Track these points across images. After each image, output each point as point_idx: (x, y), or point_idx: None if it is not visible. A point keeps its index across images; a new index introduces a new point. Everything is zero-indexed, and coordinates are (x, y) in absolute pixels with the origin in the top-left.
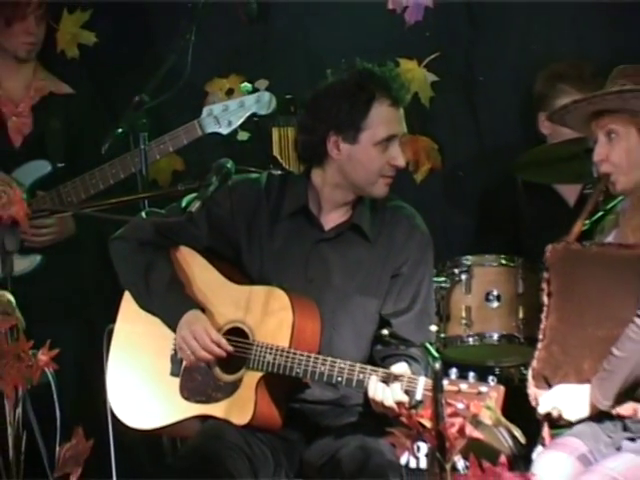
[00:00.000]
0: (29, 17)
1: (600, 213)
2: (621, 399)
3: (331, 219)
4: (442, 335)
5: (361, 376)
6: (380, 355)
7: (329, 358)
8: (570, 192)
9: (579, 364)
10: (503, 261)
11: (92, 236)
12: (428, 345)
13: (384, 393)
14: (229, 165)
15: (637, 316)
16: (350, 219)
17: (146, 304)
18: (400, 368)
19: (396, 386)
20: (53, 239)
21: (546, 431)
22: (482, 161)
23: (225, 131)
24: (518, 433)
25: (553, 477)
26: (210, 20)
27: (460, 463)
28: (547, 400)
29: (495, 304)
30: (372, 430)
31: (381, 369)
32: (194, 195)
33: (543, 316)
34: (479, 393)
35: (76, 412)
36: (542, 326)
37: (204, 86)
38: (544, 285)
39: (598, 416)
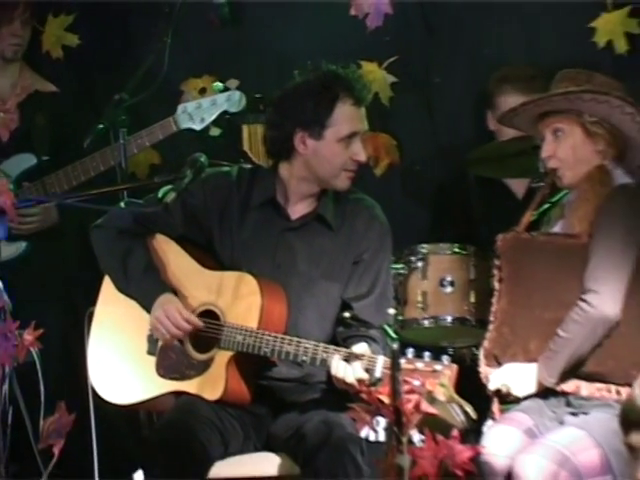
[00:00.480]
0: (15, 20)
1: (546, 205)
2: (565, 376)
3: (297, 210)
4: (400, 318)
5: (324, 355)
6: (342, 336)
7: (295, 338)
8: (518, 186)
9: (527, 344)
10: (456, 249)
11: (74, 224)
12: (387, 327)
13: (345, 371)
14: (203, 159)
15: (581, 300)
16: (315, 210)
17: (124, 288)
18: (361, 348)
19: (357, 364)
20: (38, 227)
21: (496, 406)
22: (437, 157)
23: (198, 127)
24: (469, 409)
25: (502, 449)
26: (185, 23)
27: (416, 436)
28: (497, 377)
29: (449, 289)
30: (334, 405)
31: (343, 349)
32: (170, 187)
33: (494, 300)
34: (434, 371)
35: (59, 388)
36: (493, 309)
37: (179, 85)
38: (495, 271)
39: (543, 392)
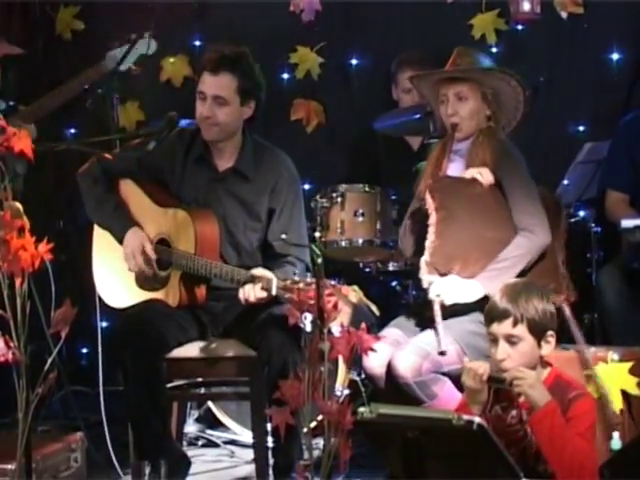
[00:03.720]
0: None
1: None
2: None
3: (222, 163)
4: (323, 239)
5: (238, 277)
6: (271, 265)
7: (219, 264)
8: (414, 141)
9: (468, 257)
10: (367, 189)
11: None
12: (313, 246)
13: (249, 293)
14: (175, 117)
15: (524, 230)
16: (235, 165)
17: (101, 225)
18: (259, 271)
19: (257, 286)
20: None
21: (437, 310)
22: (354, 119)
23: (124, 68)
24: (374, 308)
25: (375, 361)
26: (165, 18)
27: (334, 328)
28: (436, 287)
29: (360, 219)
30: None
31: (248, 271)
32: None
33: (432, 222)
34: (304, 285)
35: (66, 288)
36: (432, 230)
37: (159, 61)
38: (430, 202)
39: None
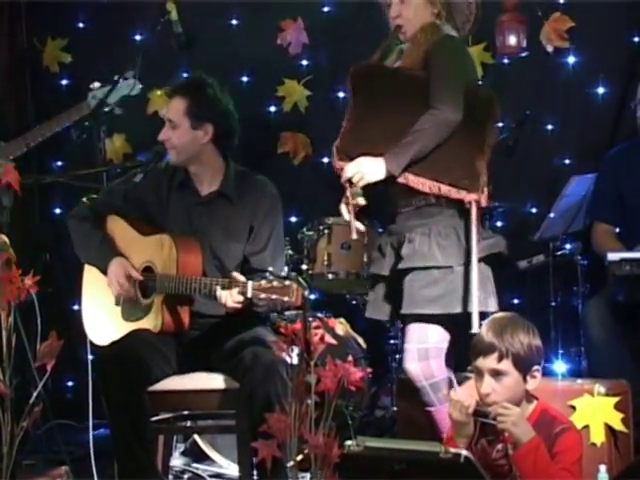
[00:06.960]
0: None
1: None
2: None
3: (204, 188)
4: (310, 272)
5: (215, 287)
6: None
7: (198, 277)
8: None
9: (377, 141)
10: None
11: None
12: (300, 279)
13: (226, 297)
14: (162, 150)
15: (431, 108)
16: (219, 188)
17: (88, 260)
18: (234, 276)
19: (234, 291)
20: None
21: (349, 191)
22: None
23: (105, 108)
24: (361, 340)
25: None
26: (151, 49)
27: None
28: (351, 167)
29: (347, 251)
30: (263, 334)
31: (222, 279)
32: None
33: (347, 112)
34: (284, 286)
35: (52, 322)
36: (347, 117)
37: (146, 94)
38: (350, 94)
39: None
